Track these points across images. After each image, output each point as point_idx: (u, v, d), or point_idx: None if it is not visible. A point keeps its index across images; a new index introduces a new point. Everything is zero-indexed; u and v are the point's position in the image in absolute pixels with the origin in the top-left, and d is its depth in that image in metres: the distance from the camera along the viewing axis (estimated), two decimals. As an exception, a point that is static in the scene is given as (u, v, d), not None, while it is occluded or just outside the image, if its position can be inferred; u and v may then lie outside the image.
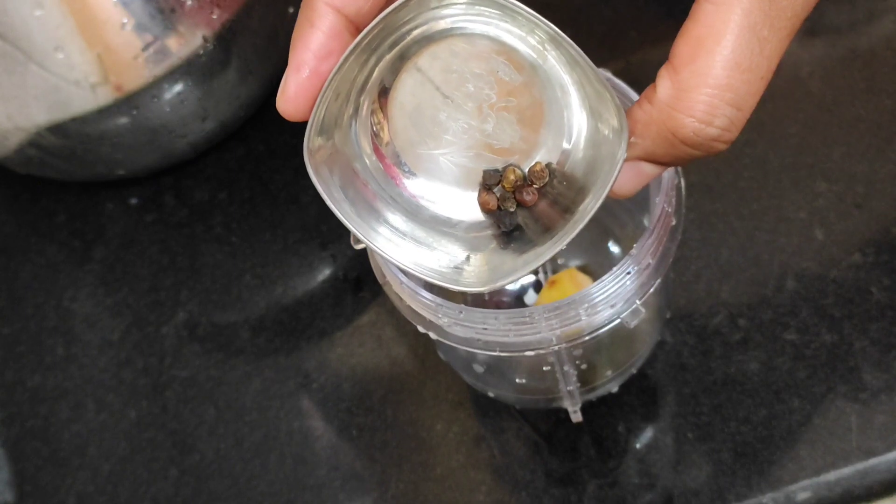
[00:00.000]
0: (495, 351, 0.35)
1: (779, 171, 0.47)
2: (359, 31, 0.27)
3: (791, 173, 0.47)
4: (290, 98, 0.27)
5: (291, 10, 0.51)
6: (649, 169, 0.29)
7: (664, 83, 0.28)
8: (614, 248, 0.44)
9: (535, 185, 0.30)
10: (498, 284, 0.30)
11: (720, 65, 0.26)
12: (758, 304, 0.44)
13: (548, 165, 0.30)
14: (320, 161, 0.29)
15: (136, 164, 0.52)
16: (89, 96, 0.45)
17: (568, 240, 0.29)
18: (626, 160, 0.28)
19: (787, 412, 0.41)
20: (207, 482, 0.45)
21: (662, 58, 0.52)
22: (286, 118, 0.28)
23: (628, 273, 0.33)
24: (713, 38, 0.26)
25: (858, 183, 0.46)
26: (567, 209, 0.30)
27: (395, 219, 0.31)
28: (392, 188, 0.31)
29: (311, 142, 0.28)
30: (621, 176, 0.29)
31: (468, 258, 0.31)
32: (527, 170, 0.30)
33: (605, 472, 0.42)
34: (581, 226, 0.29)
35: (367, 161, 0.30)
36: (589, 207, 0.29)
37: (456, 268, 0.31)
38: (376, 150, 0.30)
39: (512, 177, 0.30)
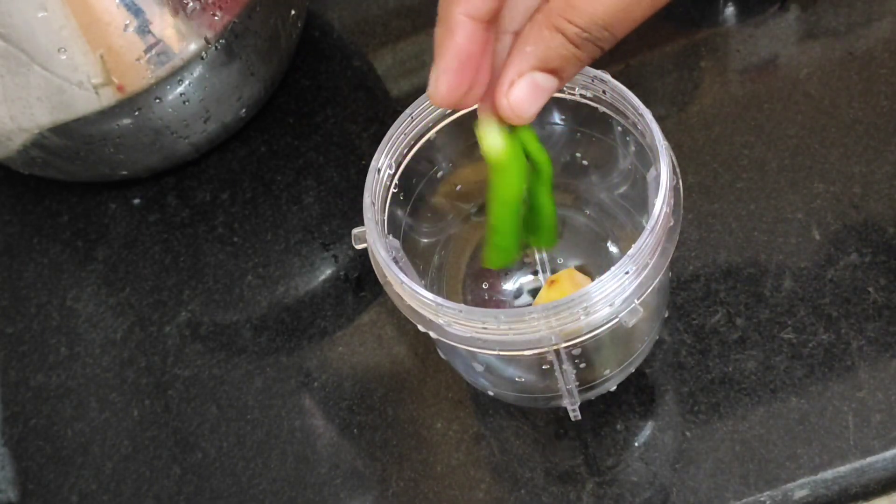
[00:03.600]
0: (495, 350, 0.35)
1: (776, 172, 0.48)
2: (493, 25, 0.32)
3: (789, 174, 0.48)
4: (444, 95, 0.32)
5: (293, 12, 0.52)
6: (543, 81, 0.32)
7: None
8: (613, 249, 0.44)
9: None
10: None
11: None
12: (755, 304, 0.44)
13: None
14: None
15: (138, 165, 0.52)
16: (92, 97, 0.45)
17: None
18: (520, 74, 0.31)
19: (784, 411, 0.42)
20: (209, 480, 0.45)
21: (661, 60, 0.53)
22: (440, 106, 0.34)
23: (627, 273, 0.33)
24: None
25: (856, 184, 0.47)
26: None
27: None
28: None
29: None
30: (520, 93, 0.32)
31: None
32: None
33: (604, 470, 0.42)
34: None
35: None
36: None
37: None
38: None
39: None
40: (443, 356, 0.44)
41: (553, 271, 0.45)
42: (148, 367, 0.49)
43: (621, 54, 0.53)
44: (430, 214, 0.43)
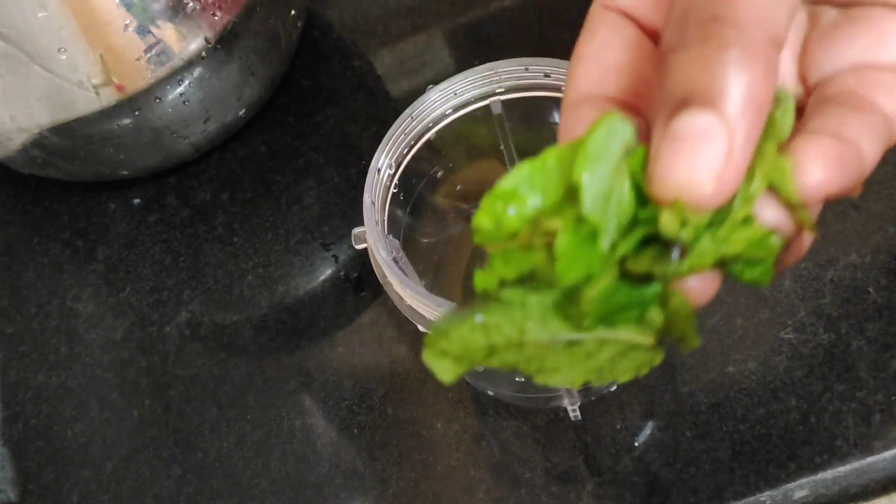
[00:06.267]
0: (495, 350, 0.35)
1: (777, 171, 0.48)
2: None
3: (789, 174, 0.47)
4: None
5: (293, 12, 0.52)
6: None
7: None
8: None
9: None
10: None
11: None
12: (755, 304, 0.44)
13: None
14: None
15: (138, 165, 0.52)
16: (92, 97, 0.45)
17: None
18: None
19: (784, 411, 0.42)
20: (210, 480, 0.45)
21: (661, 59, 0.53)
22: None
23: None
24: None
25: (856, 184, 0.47)
26: None
27: None
28: None
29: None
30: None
31: None
32: None
33: (604, 470, 0.42)
34: None
35: None
36: None
37: None
38: None
39: None
40: (443, 356, 0.44)
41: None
42: (148, 367, 0.49)
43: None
44: (430, 214, 0.43)
